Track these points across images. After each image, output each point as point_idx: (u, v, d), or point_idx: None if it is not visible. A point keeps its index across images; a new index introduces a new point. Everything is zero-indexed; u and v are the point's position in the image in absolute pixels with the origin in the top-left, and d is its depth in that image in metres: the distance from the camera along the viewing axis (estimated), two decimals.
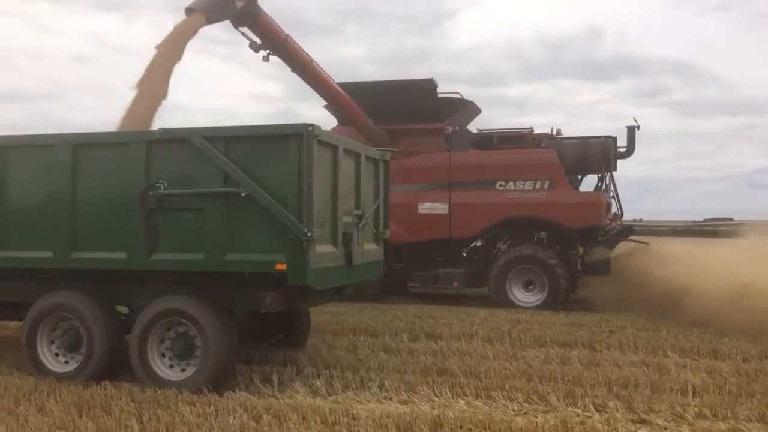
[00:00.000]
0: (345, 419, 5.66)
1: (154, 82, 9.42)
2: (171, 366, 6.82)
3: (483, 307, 13.24)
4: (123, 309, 7.42)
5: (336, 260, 7.07)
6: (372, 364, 7.82)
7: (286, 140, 6.43)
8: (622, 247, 14.87)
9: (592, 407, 6.19)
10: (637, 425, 5.78)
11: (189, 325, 6.68)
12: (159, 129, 6.78)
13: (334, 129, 15.57)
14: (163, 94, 9.53)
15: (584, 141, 14.81)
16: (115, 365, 6.98)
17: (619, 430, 5.59)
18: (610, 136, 14.74)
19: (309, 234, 6.31)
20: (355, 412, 5.88)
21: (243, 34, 11.50)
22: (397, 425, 5.50)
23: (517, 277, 14.08)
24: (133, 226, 6.73)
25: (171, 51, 9.70)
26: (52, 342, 7.17)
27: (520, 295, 14.09)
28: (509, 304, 13.74)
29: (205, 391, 6.38)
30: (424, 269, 14.89)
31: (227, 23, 11.05)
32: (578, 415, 5.98)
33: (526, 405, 6.30)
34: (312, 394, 6.65)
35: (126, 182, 6.77)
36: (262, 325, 8.22)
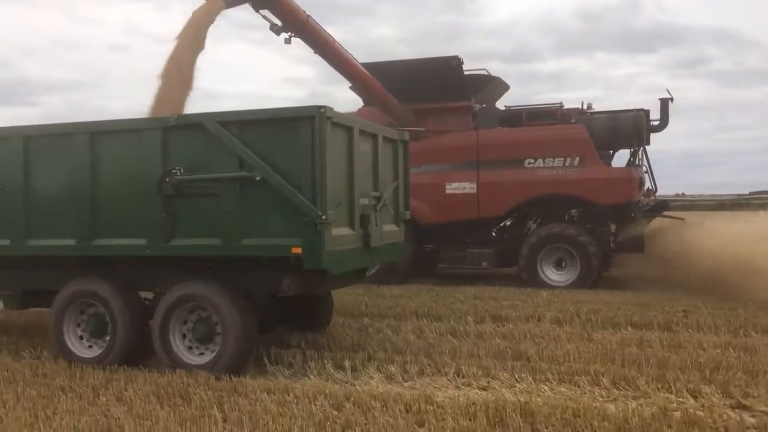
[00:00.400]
0: (430, 407, 5.47)
1: (179, 72, 9.45)
2: (190, 348, 6.88)
3: (534, 287, 13.14)
4: (149, 294, 7.51)
5: (353, 242, 7.03)
6: (443, 348, 7.62)
7: (299, 123, 6.38)
8: (658, 222, 14.59)
9: (685, 392, 5.88)
10: (737, 411, 5.45)
11: (209, 310, 6.73)
12: (174, 115, 6.78)
13: (360, 110, 15.53)
14: (189, 83, 9.56)
15: (615, 115, 14.46)
16: (141, 349, 7.06)
17: (722, 416, 5.26)
18: (642, 109, 14.34)
19: (323, 217, 6.27)
20: (438, 399, 5.72)
21: (264, 17, 11.46)
22: (485, 413, 5.28)
23: (549, 255, 13.88)
24: (152, 213, 6.77)
25: (192, 39, 9.71)
26: (79, 326, 7.30)
27: (551, 274, 13.89)
28: (541, 284, 13.56)
29: (226, 376, 6.44)
30: (454, 250, 14.79)
31: (247, 6, 11.01)
32: (673, 402, 5.67)
33: (615, 391, 6.05)
34: (387, 380, 6.50)
35: (143, 169, 6.81)
36: (285, 308, 8.21)
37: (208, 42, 9.93)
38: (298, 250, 6.36)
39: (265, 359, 7.11)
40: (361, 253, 7.22)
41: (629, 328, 8.76)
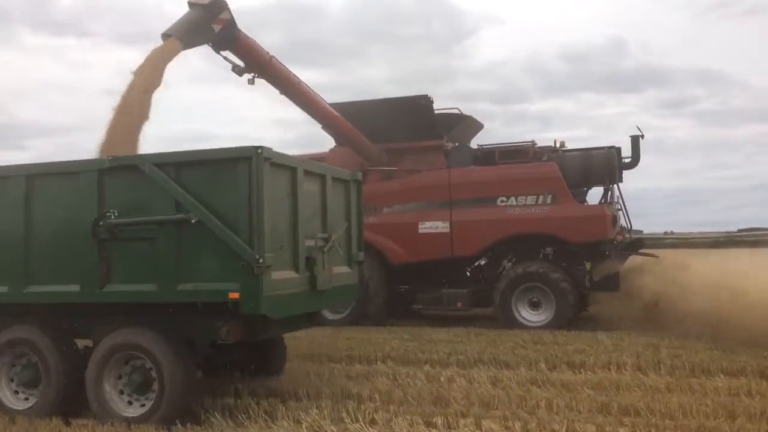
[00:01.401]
0: None
1: (133, 107, 9.31)
2: (130, 402, 6.58)
3: (509, 328, 12.88)
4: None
5: (298, 286, 6.79)
6: (535, 400, 6.93)
7: (236, 164, 6.21)
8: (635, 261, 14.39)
9: None
10: None
11: (145, 359, 6.44)
12: (108, 157, 6.60)
13: (331, 149, 15.43)
14: (144, 117, 9.41)
15: (587, 153, 14.38)
16: (76, 400, 6.74)
17: None
18: (613, 147, 14.27)
19: (261, 260, 6.05)
20: None
21: (225, 58, 11.40)
22: None
23: (523, 295, 13.61)
24: (87, 258, 6.55)
25: (148, 76, 9.59)
26: (12, 380, 6.99)
27: (527, 314, 13.62)
28: (516, 324, 13.28)
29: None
30: (429, 290, 14.54)
31: (207, 48, 10.95)
32: None
33: None
34: None
35: (79, 212, 6.61)
36: (236, 354, 7.92)
37: (165, 79, 9.81)
38: (235, 296, 6.12)
39: (213, 409, 6.78)
40: (308, 296, 6.98)
41: (721, 375, 8.13)
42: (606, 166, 13.97)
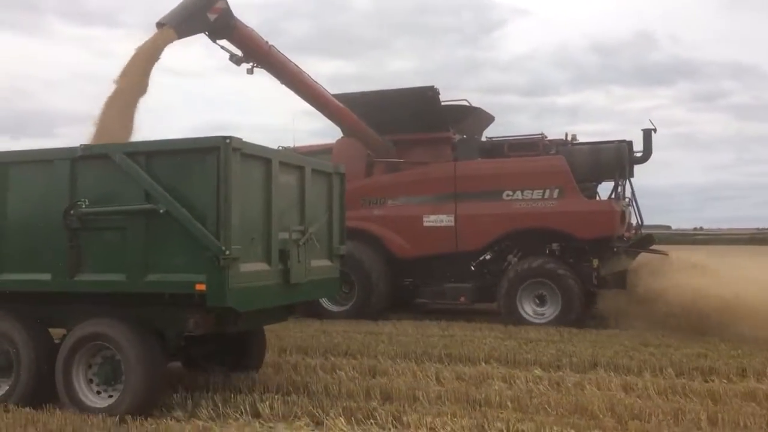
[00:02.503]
0: None
1: (131, 81, 9.37)
2: (99, 393, 6.55)
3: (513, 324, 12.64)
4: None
5: (269, 279, 6.68)
6: (693, 413, 6.31)
7: (205, 154, 6.12)
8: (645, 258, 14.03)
9: None
10: None
11: (113, 350, 6.40)
12: (80, 145, 6.55)
13: (338, 141, 15.30)
14: (143, 89, 9.50)
15: (596, 146, 14.06)
16: (48, 389, 6.73)
17: None
18: (624, 141, 13.91)
19: (227, 252, 5.95)
20: None
21: (222, 47, 11.32)
22: None
23: (528, 291, 13.35)
24: (58, 246, 6.51)
25: (145, 57, 9.63)
26: None
27: (531, 310, 13.36)
28: (520, 320, 13.05)
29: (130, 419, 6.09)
30: (433, 284, 14.37)
31: (203, 37, 10.88)
32: None
33: None
34: None
35: (52, 201, 6.57)
36: (214, 346, 7.86)
37: (194, 69, 9.91)
38: (202, 287, 6.04)
39: (186, 401, 6.74)
40: (280, 289, 6.86)
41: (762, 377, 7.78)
42: (616, 160, 13.62)
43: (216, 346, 7.88)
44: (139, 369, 6.25)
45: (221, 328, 6.54)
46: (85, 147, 6.53)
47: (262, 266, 6.60)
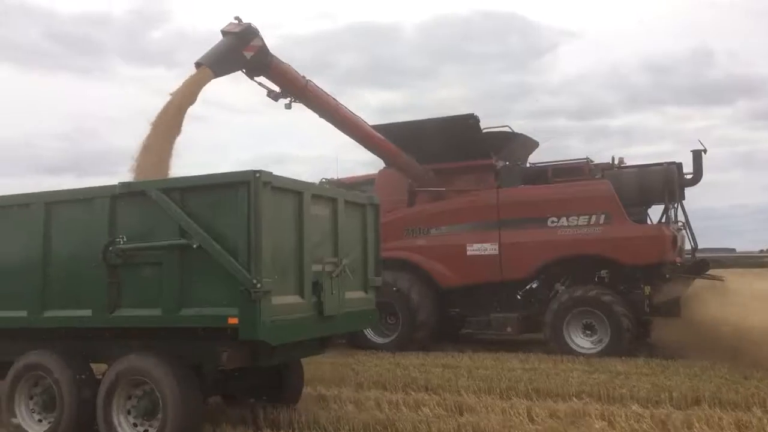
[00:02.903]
0: None
1: (168, 122, 9.63)
2: (135, 425, 6.61)
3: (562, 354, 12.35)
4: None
5: (303, 311, 6.68)
6: None
7: (236, 188, 6.19)
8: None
9: None
10: None
11: (151, 384, 6.47)
12: (119, 183, 6.72)
13: (380, 171, 15.36)
14: (177, 131, 9.73)
15: (644, 169, 13.71)
16: (91, 424, 6.84)
17: None
18: (673, 162, 13.54)
19: (258, 285, 5.97)
20: None
21: (260, 84, 11.53)
22: None
23: (576, 320, 13.00)
24: (98, 283, 6.66)
25: (182, 97, 9.89)
26: (31, 398, 7.16)
27: (579, 340, 12.98)
28: (568, 351, 12.69)
29: None
30: (478, 314, 14.14)
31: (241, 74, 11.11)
32: None
33: None
34: None
35: (92, 238, 6.74)
36: (254, 380, 7.87)
37: (242, 105, 10.23)
38: (234, 321, 6.07)
39: None
40: (314, 322, 6.85)
41: None
42: (665, 183, 13.24)
43: (256, 380, 7.90)
44: (174, 403, 6.29)
45: (255, 361, 6.54)
46: (123, 184, 6.70)
47: (295, 299, 6.61)
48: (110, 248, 6.57)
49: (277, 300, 6.27)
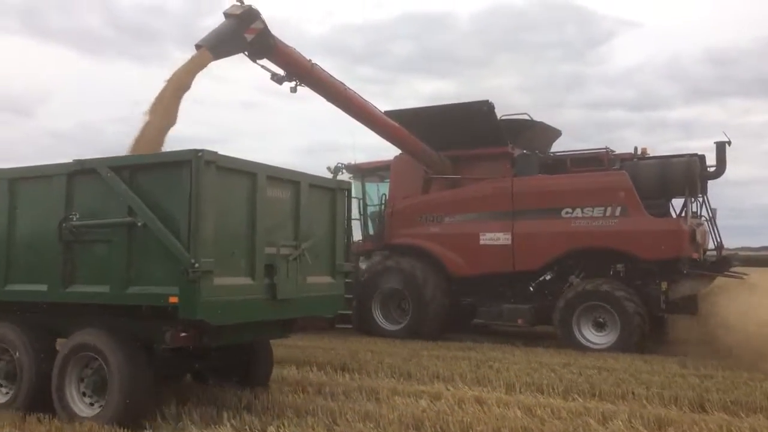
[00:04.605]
0: None
1: (162, 110, 9.62)
2: (91, 404, 6.68)
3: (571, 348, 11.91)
4: None
5: (252, 293, 6.61)
6: None
7: (179, 167, 6.16)
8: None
9: None
10: None
11: (101, 360, 6.53)
12: (74, 160, 6.78)
13: (396, 157, 15.15)
14: (173, 120, 9.70)
15: (664, 161, 13.07)
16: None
17: None
18: (696, 154, 12.87)
19: (197, 265, 5.93)
20: None
21: (263, 67, 11.45)
22: None
23: (587, 315, 12.56)
24: (54, 259, 6.75)
25: (178, 82, 9.86)
26: None
27: (590, 335, 12.55)
28: (577, 345, 12.29)
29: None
30: (490, 304, 13.84)
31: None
32: None
33: None
34: None
35: (49, 215, 6.81)
36: (221, 360, 7.87)
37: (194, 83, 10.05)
38: (174, 300, 6.05)
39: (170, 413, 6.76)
40: (267, 304, 6.77)
41: None
42: (686, 175, 12.59)
43: (223, 361, 7.90)
44: (121, 380, 6.33)
45: (202, 342, 6.51)
46: (77, 162, 6.75)
47: (244, 280, 6.55)
48: (64, 225, 6.65)
49: (221, 281, 6.22)
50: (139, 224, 6.22)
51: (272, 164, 7.08)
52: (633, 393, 7.93)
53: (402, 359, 10.32)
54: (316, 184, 7.54)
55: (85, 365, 6.72)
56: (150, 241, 6.22)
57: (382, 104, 12.63)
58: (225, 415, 6.68)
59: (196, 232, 5.97)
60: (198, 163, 6.01)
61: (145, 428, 6.39)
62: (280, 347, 10.80)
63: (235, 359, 7.87)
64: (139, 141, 9.26)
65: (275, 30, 11.02)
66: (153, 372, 6.68)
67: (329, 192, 7.76)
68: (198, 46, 10.31)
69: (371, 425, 6.35)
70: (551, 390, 8.14)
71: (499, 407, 7.06)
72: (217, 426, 6.38)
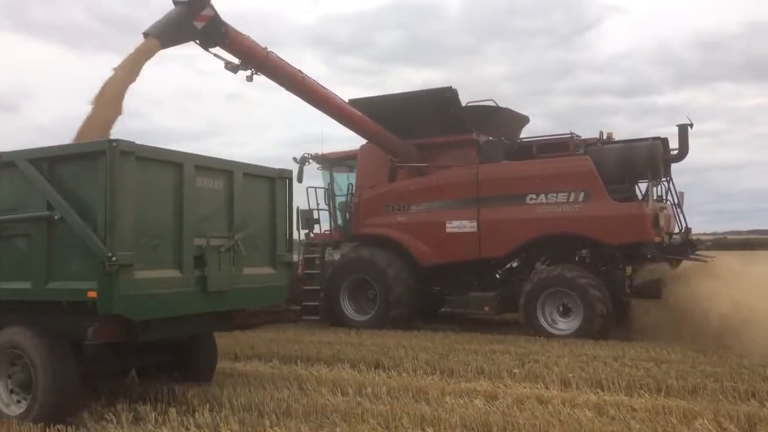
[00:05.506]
0: None
1: (108, 100, 9.42)
2: (19, 401, 6.54)
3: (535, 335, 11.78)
4: None
5: (180, 286, 6.46)
6: None
7: (95, 158, 6.00)
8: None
9: None
10: None
11: (25, 358, 6.39)
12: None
13: (362, 146, 14.98)
14: (118, 111, 9.50)
15: (627, 145, 12.97)
16: None
17: None
18: (658, 138, 12.76)
19: (114, 258, 5.78)
20: None
21: (216, 55, 11.23)
22: None
23: (552, 301, 12.47)
24: None
25: (124, 72, 9.66)
26: None
27: (553, 321, 12.45)
28: (541, 332, 12.19)
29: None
30: (457, 292, 13.75)
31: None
32: None
33: None
34: None
35: None
36: (163, 357, 7.75)
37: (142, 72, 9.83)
38: (93, 295, 5.90)
39: (105, 411, 6.61)
40: (197, 297, 6.62)
41: None
42: (648, 159, 12.47)
43: (165, 356, 7.77)
44: (45, 377, 6.19)
45: (128, 337, 6.36)
46: None
47: (171, 273, 6.40)
48: None
49: (143, 274, 6.07)
50: (57, 218, 6.07)
51: (247, 159, 6.92)
52: (703, 388, 7.41)
53: (438, 355, 9.84)
54: (252, 173, 7.38)
55: (12, 363, 6.57)
56: (68, 235, 6.06)
57: (374, 94, 12.36)
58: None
59: (112, 225, 5.82)
60: (113, 154, 5.84)
61: (83, 426, 6.24)
62: (300, 344, 10.91)
63: (178, 354, 7.73)
64: (82, 133, 9.05)
65: (260, 21, 10.84)
66: (82, 369, 6.54)
67: (268, 181, 7.60)
68: (146, 35, 10.10)
69: (433, 431, 5.87)
70: (612, 386, 7.62)
71: (566, 407, 6.53)
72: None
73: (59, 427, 6.08)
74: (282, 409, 6.57)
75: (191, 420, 6.20)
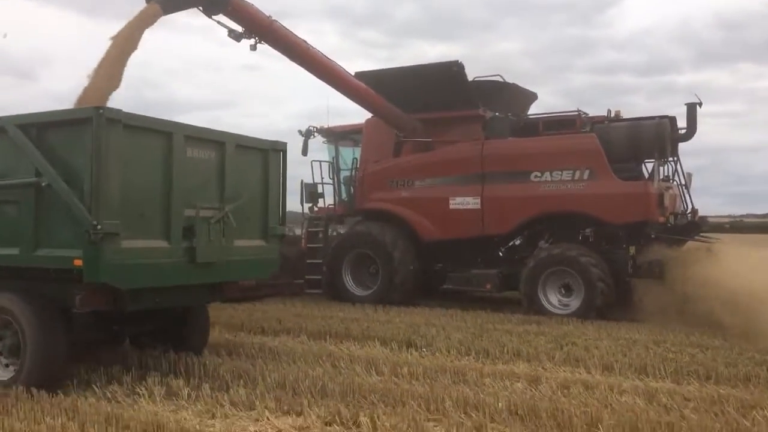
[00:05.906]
0: None
1: (108, 71, 9.35)
2: (7, 366, 6.60)
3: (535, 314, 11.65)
4: None
5: (168, 256, 6.45)
6: None
7: (83, 125, 5.96)
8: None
9: None
10: None
11: (14, 324, 6.43)
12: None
13: (367, 120, 14.84)
14: (117, 83, 9.43)
15: (635, 123, 12.76)
16: None
17: None
18: (666, 117, 12.53)
19: (99, 227, 5.77)
20: None
21: (219, 22, 11.10)
22: None
23: (553, 280, 12.38)
24: None
25: (124, 41, 9.58)
26: None
27: (555, 300, 12.38)
28: (541, 311, 12.12)
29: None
30: (459, 269, 13.68)
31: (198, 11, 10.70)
32: None
33: None
34: None
35: None
36: (149, 326, 7.77)
37: (161, 44, 9.74)
38: (79, 263, 5.90)
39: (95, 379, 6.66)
40: (183, 268, 6.61)
41: None
42: (656, 138, 12.27)
43: (157, 325, 7.80)
44: (34, 343, 6.22)
45: (116, 305, 6.37)
46: None
47: (159, 243, 6.39)
48: None
49: (130, 243, 6.06)
50: (44, 184, 6.05)
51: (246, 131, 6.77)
52: (756, 376, 7.08)
53: (471, 335, 9.61)
54: (244, 144, 7.31)
55: (2, 328, 6.62)
56: (56, 202, 6.05)
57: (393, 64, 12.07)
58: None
59: (98, 193, 5.80)
60: (99, 121, 5.80)
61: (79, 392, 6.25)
62: (328, 320, 10.87)
63: (170, 324, 7.75)
64: (79, 105, 9.02)
65: None
66: (71, 336, 6.57)
67: (261, 153, 7.54)
68: (147, 0, 10.01)
69: (477, 415, 5.55)
70: (657, 372, 7.34)
71: (613, 394, 6.30)
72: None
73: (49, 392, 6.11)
74: (317, 387, 6.39)
75: (225, 396, 6.06)
